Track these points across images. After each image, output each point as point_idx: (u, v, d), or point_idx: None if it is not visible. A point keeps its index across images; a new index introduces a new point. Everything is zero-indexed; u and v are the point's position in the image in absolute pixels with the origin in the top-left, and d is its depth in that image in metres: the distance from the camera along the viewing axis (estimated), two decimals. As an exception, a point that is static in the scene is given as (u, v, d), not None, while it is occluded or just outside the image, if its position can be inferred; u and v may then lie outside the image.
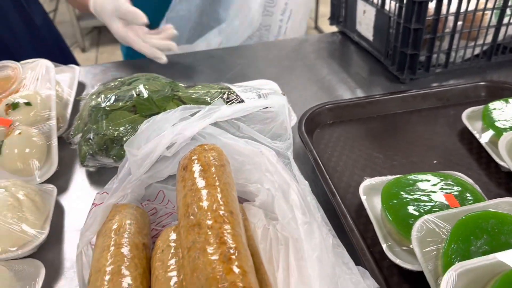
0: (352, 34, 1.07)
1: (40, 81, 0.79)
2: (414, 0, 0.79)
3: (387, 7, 0.90)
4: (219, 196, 0.44)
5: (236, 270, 0.36)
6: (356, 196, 0.61)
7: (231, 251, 0.38)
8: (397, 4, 0.85)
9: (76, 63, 1.78)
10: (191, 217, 0.42)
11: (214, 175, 0.46)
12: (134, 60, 1.08)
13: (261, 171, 0.57)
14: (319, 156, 0.66)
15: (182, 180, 0.48)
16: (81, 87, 0.95)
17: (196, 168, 0.48)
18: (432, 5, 0.81)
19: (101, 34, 3.51)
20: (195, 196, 0.44)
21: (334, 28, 1.18)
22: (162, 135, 0.59)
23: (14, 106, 0.72)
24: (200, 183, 0.46)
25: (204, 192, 0.44)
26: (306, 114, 0.75)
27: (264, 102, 0.69)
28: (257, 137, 0.65)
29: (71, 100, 0.85)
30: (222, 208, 0.42)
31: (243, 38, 1.16)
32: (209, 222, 0.41)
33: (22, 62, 0.88)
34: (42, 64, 0.81)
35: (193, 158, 0.50)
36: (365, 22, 0.99)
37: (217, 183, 0.45)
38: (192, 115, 0.62)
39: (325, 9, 3.70)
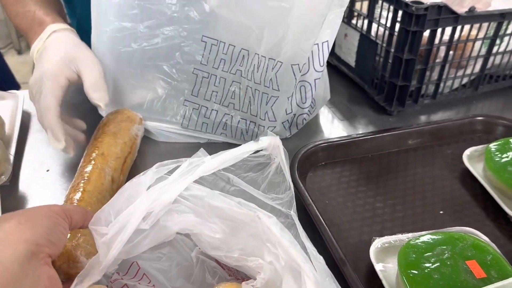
0: (330, 57, 1.00)
1: (-24, 116, 0.65)
2: (408, 29, 0.73)
3: (373, 33, 0.84)
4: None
5: None
6: (362, 259, 0.54)
7: None
8: (387, 32, 0.78)
9: (9, 71, 1.58)
10: None
11: None
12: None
13: (260, 240, 0.48)
14: (317, 207, 0.58)
15: None
16: (26, 117, 0.80)
17: None
18: (426, 34, 0.75)
19: (39, 36, 3.23)
20: None
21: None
22: (136, 204, 0.48)
23: None
24: None
25: None
26: (298, 156, 0.66)
27: (255, 145, 0.60)
28: (251, 191, 0.55)
29: (15, 136, 0.71)
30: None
31: None
32: None
33: (-49, 87, 0.73)
34: (-22, 95, 0.67)
35: None
36: (347, 46, 0.92)
37: None
38: (170, 172, 0.51)
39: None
